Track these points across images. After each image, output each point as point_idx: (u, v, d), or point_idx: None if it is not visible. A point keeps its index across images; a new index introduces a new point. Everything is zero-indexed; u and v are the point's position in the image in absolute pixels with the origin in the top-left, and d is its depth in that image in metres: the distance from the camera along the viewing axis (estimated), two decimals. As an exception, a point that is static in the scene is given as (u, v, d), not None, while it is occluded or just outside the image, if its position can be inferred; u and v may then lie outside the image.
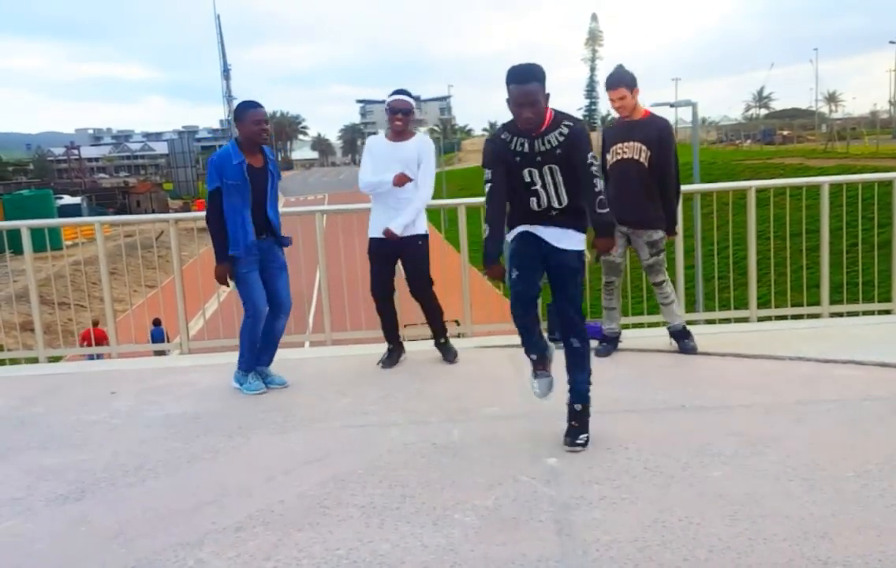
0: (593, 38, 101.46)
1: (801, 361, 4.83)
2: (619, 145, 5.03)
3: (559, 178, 3.53)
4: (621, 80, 5.02)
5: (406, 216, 5.07)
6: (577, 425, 3.65)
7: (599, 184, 3.54)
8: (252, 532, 2.99)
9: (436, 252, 5.27)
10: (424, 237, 5.20)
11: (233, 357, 4.98)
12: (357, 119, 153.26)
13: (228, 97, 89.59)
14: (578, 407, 3.67)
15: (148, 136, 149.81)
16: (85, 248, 10.85)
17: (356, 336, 6.66)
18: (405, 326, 5.53)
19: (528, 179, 3.55)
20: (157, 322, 12.63)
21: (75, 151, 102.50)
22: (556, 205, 3.56)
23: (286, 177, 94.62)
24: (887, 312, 6.36)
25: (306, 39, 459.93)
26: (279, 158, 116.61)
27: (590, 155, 3.54)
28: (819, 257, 6.34)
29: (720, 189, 7.33)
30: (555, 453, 3.57)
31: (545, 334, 3.81)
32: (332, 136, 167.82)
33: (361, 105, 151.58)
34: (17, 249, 6.82)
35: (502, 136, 3.60)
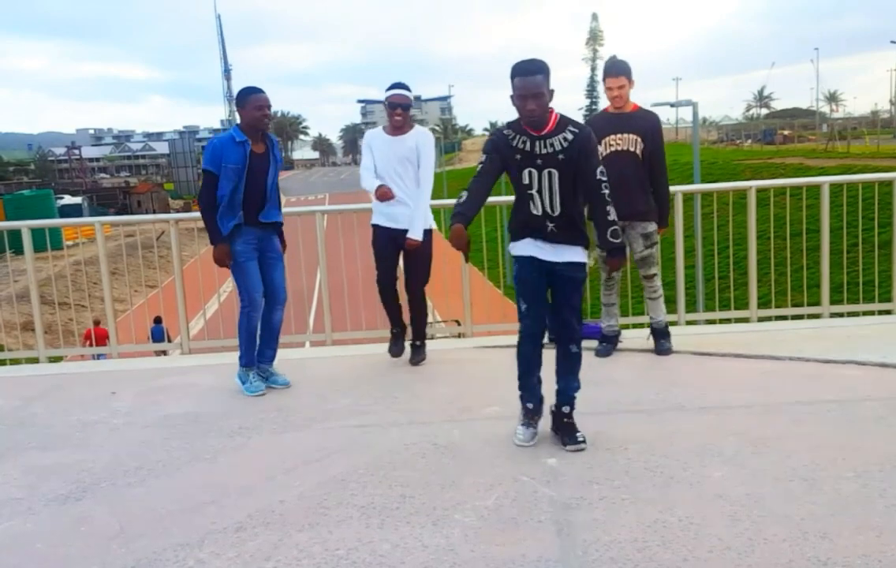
0: (594, 38, 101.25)
1: (801, 361, 4.83)
2: (613, 137, 5.01)
3: (555, 186, 3.50)
4: (623, 69, 5.03)
5: (419, 219, 5.08)
6: (571, 423, 3.66)
7: (613, 213, 3.53)
8: (252, 532, 2.99)
9: (436, 252, 5.26)
10: (429, 232, 5.20)
11: (233, 357, 4.98)
12: (358, 119, 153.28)
13: (229, 97, 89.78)
14: (567, 410, 3.68)
15: (149, 136, 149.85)
16: (86, 248, 10.86)
17: (357, 336, 6.67)
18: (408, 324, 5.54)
19: (526, 181, 3.53)
20: (157, 320, 12.65)
21: (76, 151, 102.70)
22: (550, 212, 3.53)
23: (287, 177, 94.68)
24: (888, 312, 6.36)
25: (307, 39, 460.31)
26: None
27: (599, 170, 3.51)
28: (819, 257, 6.34)
29: (720, 189, 7.34)
30: (555, 454, 3.57)
31: (547, 336, 3.81)
32: (333, 136, 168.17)
33: (362, 105, 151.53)
34: (18, 249, 6.83)
35: (504, 132, 3.58)
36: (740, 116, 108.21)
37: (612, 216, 3.53)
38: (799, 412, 3.96)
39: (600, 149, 5.05)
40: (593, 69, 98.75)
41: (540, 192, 3.52)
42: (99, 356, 7.67)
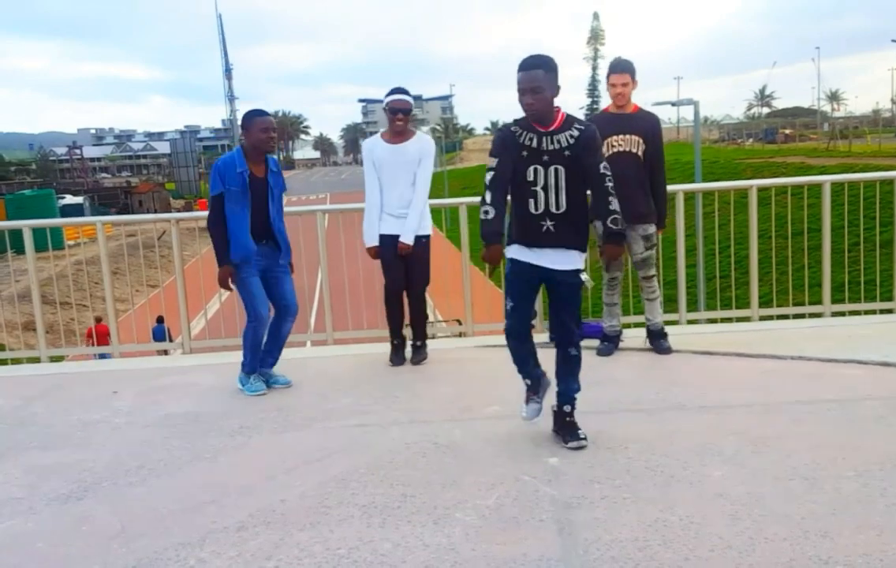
0: (595, 37, 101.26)
1: (802, 360, 4.83)
2: (615, 137, 5.00)
3: (562, 182, 3.48)
4: (628, 67, 5.04)
5: (412, 223, 5.10)
6: (572, 422, 3.67)
7: (615, 202, 3.52)
8: (253, 532, 2.99)
9: (437, 252, 5.27)
10: (428, 237, 5.24)
11: (234, 357, 4.99)
12: (359, 118, 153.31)
13: (230, 97, 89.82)
14: (568, 410, 3.69)
15: (150, 135, 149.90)
16: (87, 247, 10.87)
17: (358, 336, 6.67)
18: (407, 325, 5.54)
19: (530, 178, 3.50)
20: (160, 319, 12.67)
21: (77, 151, 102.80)
22: (553, 209, 3.50)
23: (288, 177, 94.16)
24: (889, 311, 6.36)
25: (308, 38, 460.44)
26: (281, 158, 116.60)
27: (602, 165, 3.52)
28: (821, 256, 6.33)
29: (722, 188, 7.34)
30: (556, 453, 3.57)
31: (544, 343, 3.81)
32: (334, 136, 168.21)
33: (363, 104, 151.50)
34: (20, 249, 6.84)
35: (512, 129, 3.58)
36: (742, 115, 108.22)
37: (614, 206, 3.52)
38: (800, 411, 3.96)
39: (602, 149, 5.06)
40: (594, 68, 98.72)
41: (545, 188, 3.49)
42: (102, 356, 7.68)
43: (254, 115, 4.68)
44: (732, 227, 7.76)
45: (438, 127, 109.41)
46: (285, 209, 5.03)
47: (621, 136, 5.00)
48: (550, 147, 3.48)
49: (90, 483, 3.55)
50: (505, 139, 3.58)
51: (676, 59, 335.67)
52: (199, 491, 3.41)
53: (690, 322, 6.42)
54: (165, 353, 8.62)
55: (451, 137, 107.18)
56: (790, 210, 6.94)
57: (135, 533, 3.04)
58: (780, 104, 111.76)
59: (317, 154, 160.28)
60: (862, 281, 6.79)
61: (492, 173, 3.58)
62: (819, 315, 6.37)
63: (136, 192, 62.26)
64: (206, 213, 4.81)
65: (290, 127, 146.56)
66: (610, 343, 5.25)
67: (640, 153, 5.00)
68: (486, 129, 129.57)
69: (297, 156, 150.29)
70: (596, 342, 5.22)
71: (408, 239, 5.10)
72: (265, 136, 4.66)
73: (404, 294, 5.28)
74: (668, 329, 5.34)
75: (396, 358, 5.29)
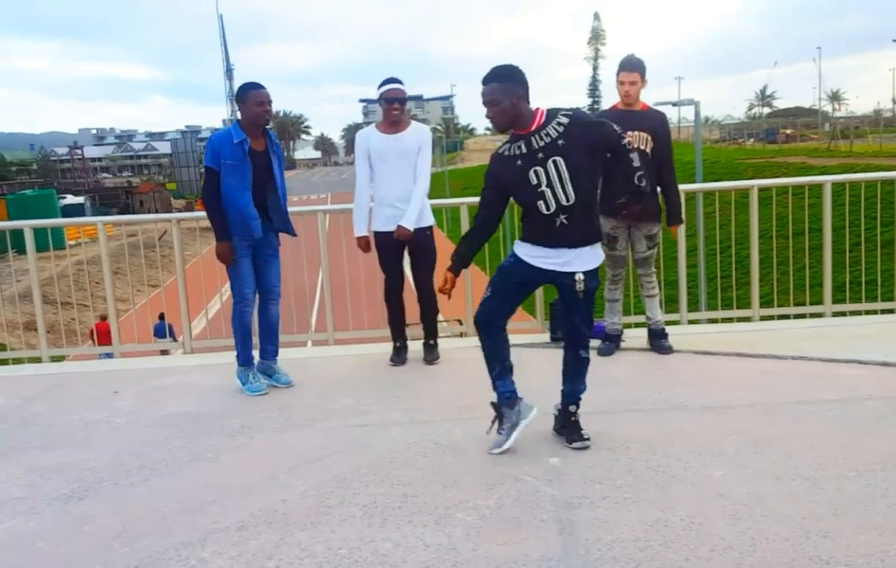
0: (596, 37, 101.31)
1: (803, 360, 4.82)
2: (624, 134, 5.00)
3: (564, 173, 3.42)
4: (638, 66, 5.04)
5: (414, 210, 5.05)
6: (576, 422, 3.67)
7: (636, 157, 3.51)
8: (254, 531, 2.99)
9: (438, 251, 5.26)
10: (431, 228, 5.21)
11: (235, 357, 4.99)
12: (360, 118, 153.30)
13: (231, 97, 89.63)
14: (573, 409, 3.68)
15: (151, 135, 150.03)
16: (88, 247, 10.88)
17: (359, 335, 6.67)
18: (408, 325, 5.54)
19: (534, 181, 3.44)
20: (161, 316, 12.70)
21: (78, 151, 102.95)
22: (563, 202, 3.43)
23: (289, 176, 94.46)
24: (890, 311, 6.35)
25: (308, 39, 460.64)
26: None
27: (612, 128, 3.50)
28: (822, 256, 6.33)
29: (723, 188, 7.33)
30: (557, 453, 3.57)
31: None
32: (335, 136, 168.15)
33: (364, 104, 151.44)
34: (21, 249, 6.85)
35: (500, 151, 3.56)
36: (742, 115, 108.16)
37: (637, 163, 3.50)
38: (801, 412, 3.96)
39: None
40: (595, 68, 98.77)
41: (550, 185, 3.44)
42: (104, 356, 7.68)
43: (249, 89, 4.58)
44: (733, 227, 7.76)
45: (439, 127, 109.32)
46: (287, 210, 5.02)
47: (629, 133, 4.99)
48: (541, 143, 3.44)
49: (91, 483, 3.56)
50: (492, 168, 3.58)
51: (677, 59, 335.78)
52: (201, 491, 3.41)
53: (691, 322, 6.42)
54: (166, 352, 8.63)
55: (451, 137, 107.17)
56: (791, 210, 6.95)
57: (136, 533, 3.04)
58: (781, 104, 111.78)
59: (318, 154, 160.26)
60: (863, 281, 6.78)
61: (479, 219, 3.65)
62: (820, 315, 6.37)
63: (137, 192, 62.31)
64: (206, 214, 4.79)
65: (291, 127, 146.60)
66: (611, 343, 5.24)
67: (647, 150, 5.00)
68: (487, 129, 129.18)
69: (298, 156, 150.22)
70: (596, 342, 5.21)
71: (408, 224, 5.04)
72: (261, 109, 4.56)
73: (404, 295, 5.27)
74: (668, 329, 5.34)
75: (398, 358, 5.28)
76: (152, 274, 13.24)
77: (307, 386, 4.89)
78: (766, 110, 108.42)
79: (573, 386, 3.68)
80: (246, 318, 4.79)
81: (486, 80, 3.49)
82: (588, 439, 3.60)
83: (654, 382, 4.59)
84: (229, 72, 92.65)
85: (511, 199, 3.64)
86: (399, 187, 5.05)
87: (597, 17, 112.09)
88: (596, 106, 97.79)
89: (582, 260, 3.52)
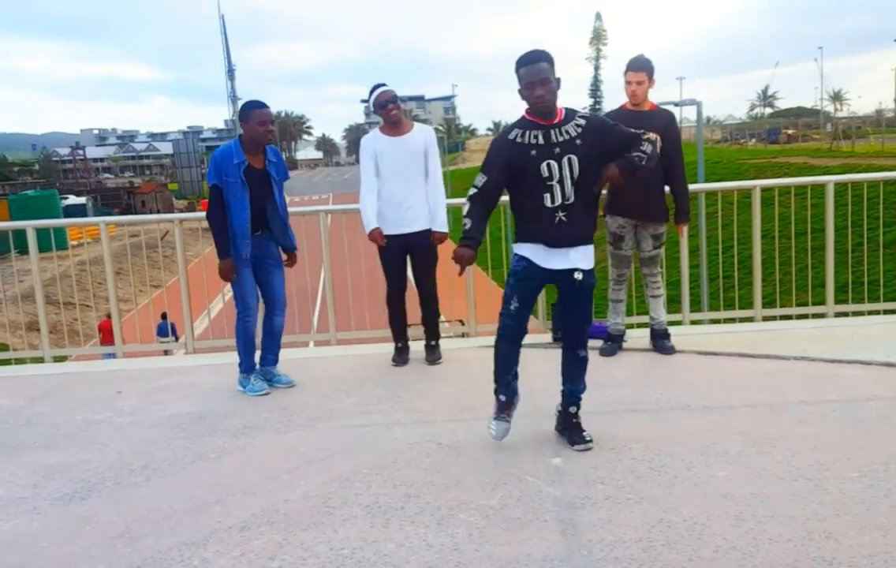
0: (597, 37, 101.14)
1: (806, 360, 4.82)
2: None
3: (575, 171, 3.44)
4: (645, 65, 5.03)
5: (441, 212, 5.12)
6: (578, 423, 3.67)
7: (647, 146, 3.54)
8: (257, 532, 3.00)
9: (439, 251, 5.26)
10: (431, 230, 5.19)
11: (237, 357, 4.99)
12: (361, 119, 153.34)
13: (233, 97, 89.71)
14: (574, 410, 3.69)
15: (153, 136, 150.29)
16: (90, 248, 10.87)
17: (361, 336, 6.67)
18: (409, 325, 5.54)
19: (545, 174, 3.44)
20: (163, 316, 12.70)
21: (80, 152, 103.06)
22: (564, 201, 3.45)
23: (291, 177, 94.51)
24: (893, 311, 6.35)
25: (310, 39, 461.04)
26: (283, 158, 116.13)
27: (629, 132, 3.54)
28: (824, 257, 6.32)
29: (725, 188, 7.32)
30: (559, 453, 3.57)
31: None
32: (337, 136, 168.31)
33: (365, 104, 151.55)
34: (23, 249, 6.85)
35: (510, 136, 3.51)
36: (744, 116, 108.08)
37: (647, 149, 3.54)
38: (803, 412, 3.95)
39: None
40: (597, 68, 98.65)
41: (561, 181, 3.45)
42: (107, 356, 7.69)
43: (252, 107, 4.61)
44: (735, 227, 7.75)
45: (441, 127, 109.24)
46: (288, 210, 5.02)
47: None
48: (560, 139, 3.45)
49: (94, 483, 3.56)
50: (502, 150, 3.53)
51: (678, 59, 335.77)
52: (203, 491, 3.41)
53: (694, 322, 6.41)
54: (169, 352, 8.63)
55: (453, 138, 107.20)
56: (793, 210, 6.94)
57: (139, 533, 3.05)
58: (782, 104, 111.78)
59: (319, 154, 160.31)
60: (865, 281, 6.76)
61: (475, 190, 3.57)
62: (822, 315, 6.36)
63: (139, 192, 62.30)
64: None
65: (293, 127, 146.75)
66: (613, 343, 5.24)
67: (657, 150, 4.99)
68: (489, 129, 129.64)
69: (300, 156, 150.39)
70: (598, 342, 5.21)
71: (442, 227, 5.11)
72: (263, 129, 4.60)
73: (405, 296, 5.27)
74: (671, 329, 5.34)
75: (400, 358, 5.28)
76: (154, 274, 13.25)
77: (309, 386, 4.89)
78: (768, 110, 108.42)
79: (573, 386, 3.68)
80: (249, 327, 4.81)
81: (534, 59, 3.44)
82: (590, 441, 3.60)
83: (657, 383, 4.59)
84: (231, 72, 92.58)
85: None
86: (406, 188, 5.06)
87: (598, 17, 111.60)
88: (597, 106, 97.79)
89: (578, 256, 3.53)
